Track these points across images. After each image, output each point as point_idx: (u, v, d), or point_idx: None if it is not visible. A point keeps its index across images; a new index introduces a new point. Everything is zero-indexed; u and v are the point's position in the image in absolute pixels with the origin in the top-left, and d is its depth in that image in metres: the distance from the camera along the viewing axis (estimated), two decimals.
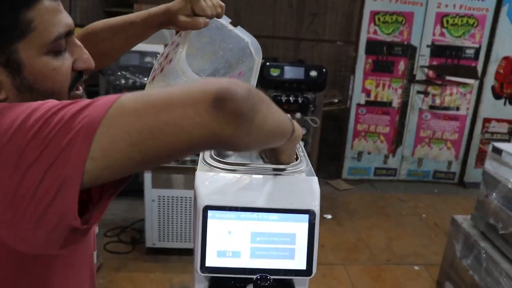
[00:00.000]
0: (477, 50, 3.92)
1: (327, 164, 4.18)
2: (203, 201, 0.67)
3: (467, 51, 3.91)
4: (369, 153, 4.15)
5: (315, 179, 0.72)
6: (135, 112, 0.54)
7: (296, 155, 0.80)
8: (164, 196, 2.65)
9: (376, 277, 2.77)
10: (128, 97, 0.56)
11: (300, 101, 3.10)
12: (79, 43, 0.72)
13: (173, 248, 2.74)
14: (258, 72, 1.02)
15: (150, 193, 2.64)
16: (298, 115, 3.13)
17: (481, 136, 4.09)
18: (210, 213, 0.67)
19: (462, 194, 4.06)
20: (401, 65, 3.92)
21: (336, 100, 4.17)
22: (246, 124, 0.55)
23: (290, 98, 3.09)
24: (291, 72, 3.10)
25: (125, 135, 0.54)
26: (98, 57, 0.90)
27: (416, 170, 4.22)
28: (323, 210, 3.52)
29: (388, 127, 4.07)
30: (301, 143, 0.97)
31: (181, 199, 2.66)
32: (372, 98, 4.00)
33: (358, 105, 4.01)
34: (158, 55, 1.07)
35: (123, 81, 3.13)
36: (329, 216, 3.45)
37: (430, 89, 3.99)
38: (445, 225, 3.41)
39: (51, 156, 0.53)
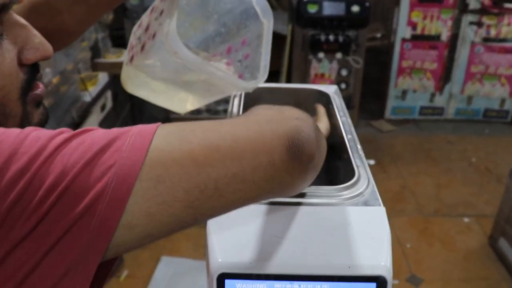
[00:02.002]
0: None
1: (368, 103, 3.92)
2: (217, 265, 0.48)
3: None
4: (414, 91, 3.86)
5: (382, 213, 0.52)
6: (193, 160, 0.40)
7: (352, 166, 0.60)
8: None
9: (423, 230, 2.61)
10: (173, 134, 0.41)
11: (341, 40, 2.82)
12: (22, 21, 0.49)
13: None
14: (270, 42, 0.79)
15: None
16: (339, 55, 2.87)
17: None
18: (228, 284, 0.47)
19: None
20: None
21: (378, 35, 3.83)
22: (316, 170, 0.46)
23: (330, 37, 2.82)
24: (330, 8, 2.80)
25: (181, 192, 0.39)
26: (55, 35, 0.68)
27: (465, 108, 3.92)
28: (365, 154, 3.33)
29: (436, 62, 3.74)
30: (355, 134, 0.76)
31: None
32: (418, 31, 3.64)
33: (403, 39, 3.67)
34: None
35: None
36: (372, 162, 3.26)
37: (485, 19, 3.59)
38: (498, 170, 3.18)
39: (53, 233, 0.36)
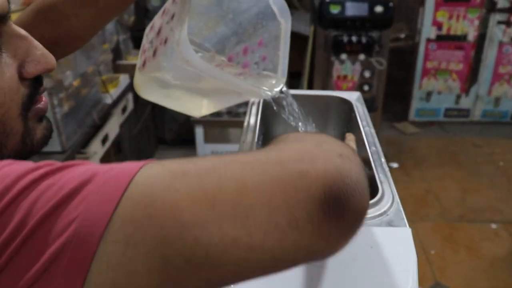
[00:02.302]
0: None
1: (392, 105, 3.85)
2: None
3: None
4: (439, 93, 3.77)
5: (408, 235, 0.48)
6: (176, 217, 0.30)
7: (375, 182, 0.56)
8: (217, 151, 2.50)
9: (447, 236, 2.54)
10: (158, 178, 0.31)
11: (364, 41, 2.76)
12: (22, 32, 0.45)
13: None
14: (288, 44, 0.75)
15: (203, 148, 2.49)
16: (361, 56, 2.81)
17: None
18: None
19: None
20: None
21: (402, 36, 3.76)
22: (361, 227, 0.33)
23: (353, 38, 2.76)
24: (353, 8, 2.75)
25: (158, 261, 0.30)
26: (62, 40, 0.65)
27: (492, 110, 3.81)
28: (388, 157, 3.26)
29: (462, 63, 3.65)
30: (379, 146, 0.72)
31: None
32: (444, 31, 3.56)
33: (428, 40, 3.59)
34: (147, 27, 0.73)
35: None
36: (396, 165, 3.20)
37: None
38: None
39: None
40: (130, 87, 2.60)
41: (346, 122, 0.90)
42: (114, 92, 2.36)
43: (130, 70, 2.65)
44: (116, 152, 2.46)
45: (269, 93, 0.69)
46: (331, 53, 2.83)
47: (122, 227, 0.29)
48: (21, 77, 0.45)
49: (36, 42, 0.46)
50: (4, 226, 0.29)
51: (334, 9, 2.74)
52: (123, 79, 2.52)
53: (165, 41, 0.61)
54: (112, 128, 2.31)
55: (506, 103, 3.78)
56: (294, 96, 0.72)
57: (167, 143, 3.41)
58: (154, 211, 0.29)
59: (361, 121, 0.81)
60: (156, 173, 0.31)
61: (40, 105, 0.48)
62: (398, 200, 0.55)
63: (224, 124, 2.42)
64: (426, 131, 3.74)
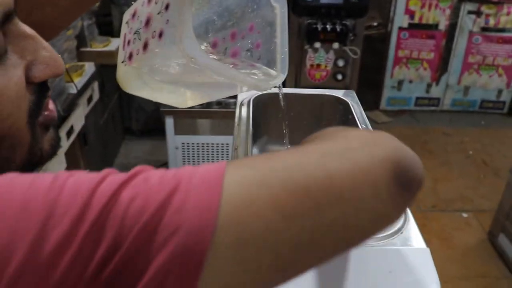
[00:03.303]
0: None
1: (364, 93, 3.82)
2: None
3: None
4: (410, 81, 3.78)
5: (427, 256, 0.44)
6: (279, 211, 0.31)
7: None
8: (188, 143, 2.42)
9: (420, 226, 2.52)
10: (248, 177, 0.32)
11: (338, 29, 2.71)
12: (29, 31, 0.41)
13: None
14: (286, 31, 0.71)
15: (173, 139, 2.40)
16: (335, 45, 2.77)
17: None
18: None
19: None
20: None
21: (375, 24, 3.74)
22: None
23: (327, 26, 2.71)
24: None
25: (269, 256, 0.31)
26: (36, 30, 0.60)
27: (462, 99, 3.85)
28: None
29: (433, 52, 3.66)
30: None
31: (207, 146, 2.42)
32: (416, 20, 3.55)
33: (400, 28, 3.58)
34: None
35: None
36: None
37: (484, 8, 3.51)
38: (494, 163, 3.13)
39: None
40: (96, 76, 2.48)
41: (342, 123, 0.85)
42: (79, 81, 2.24)
43: (96, 57, 2.52)
44: (82, 145, 2.35)
45: (271, 83, 0.64)
46: (304, 41, 2.78)
47: (229, 231, 0.30)
48: (27, 81, 0.39)
49: (44, 43, 0.41)
50: (95, 247, 0.28)
51: None
52: (88, 67, 2.39)
53: (160, 35, 0.56)
54: (78, 119, 2.20)
55: (475, 92, 3.82)
56: (286, 94, 0.67)
57: (134, 134, 3.30)
58: (257, 209, 0.30)
59: (360, 124, 0.75)
60: (244, 174, 0.32)
61: (48, 112, 0.42)
62: (411, 215, 0.50)
63: (195, 115, 2.34)
64: (397, 120, 3.75)
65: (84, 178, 0.31)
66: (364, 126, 0.74)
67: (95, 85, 2.50)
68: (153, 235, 0.29)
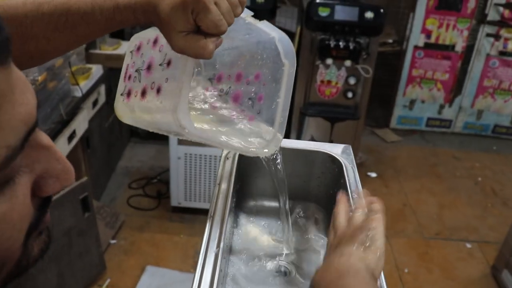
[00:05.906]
0: None
1: (374, 110, 3.78)
2: None
3: None
4: (422, 101, 3.71)
5: None
6: None
7: None
8: (191, 154, 2.38)
9: (422, 254, 2.48)
10: None
11: (351, 47, 2.66)
12: (46, 141, 0.34)
13: (200, 208, 2.51)
14: (290, 91, 0.71)
15: (176, 150, 2.37)
16: (347, 62, 2.71)
17: None
18: None
19: None
20: (471, 2, 3.35)
21: (390, 41, 3.67)
22: None
23: (340, 43, 2.66)
24: (342, 13, 2.64)
25: None
26: (23, 58, 0.56)
27: (474, 123, 3.78)
28: (368, 166, 3.20)
29: (448, 73, 3.59)
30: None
31: (210, 158, 2.39)
32: (432, 40, 3.49)
33: (416, 47, 3.52)
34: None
35: None
36: (374, 175, 3.13)
37: (503, 32, 3.44)
38: (504, 192, 3.06)
39: None
40: (103, 79, 2.45)
41: (334, 184, 0.79)
42: (85, 84, 2.21)
43: (104, 60, 2.50)
44: (85, 148, 2.32)
45: (262, 151, 0.65)
46: (316, 57, 2.73)
47: None
48: (33, 195, 0.34)
49: (59, 153, 0.35)
50: None
51: (323, 12, 2.63)
52: (96, 70, 2.37)
53: (158, 90, 0.59)
54: (81, 123, 2.17)
55: (489, 117, 3.75)
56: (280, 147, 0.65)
57: (140, 137, 3.28)
58: None
59: (350, 190, 0.71)
60: None
61: (45, 223, 0.37)
62: None
63: None
64: (407, 140, 3.68)
65: None
66: (355, 195, 0.70)
67: (102, 88, 2.48)
68: None
